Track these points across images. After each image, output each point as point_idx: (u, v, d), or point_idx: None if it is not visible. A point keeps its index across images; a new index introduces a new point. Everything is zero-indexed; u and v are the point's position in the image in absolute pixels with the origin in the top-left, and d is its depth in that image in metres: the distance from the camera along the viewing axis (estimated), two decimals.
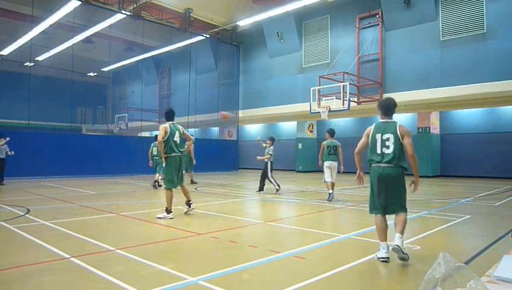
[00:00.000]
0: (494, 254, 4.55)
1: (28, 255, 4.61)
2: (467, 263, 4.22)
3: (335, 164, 9.99)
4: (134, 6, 20.10)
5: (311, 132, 24.82)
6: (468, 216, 7.44)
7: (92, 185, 13.88)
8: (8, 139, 13.29)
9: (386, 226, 4.48)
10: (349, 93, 16.28)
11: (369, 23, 18.76)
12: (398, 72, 17.74)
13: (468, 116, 19.52)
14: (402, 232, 4.29)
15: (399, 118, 21.33)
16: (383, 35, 18.26)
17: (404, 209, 4.43)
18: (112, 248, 4.81)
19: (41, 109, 25.17)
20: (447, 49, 16.39)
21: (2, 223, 6.46)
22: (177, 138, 7.44)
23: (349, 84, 16.56)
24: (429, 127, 19.36)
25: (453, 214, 7.75)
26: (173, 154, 7.34)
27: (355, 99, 18.05)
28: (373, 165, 4.54)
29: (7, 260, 4.36)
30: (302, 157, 24.12)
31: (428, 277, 2.12)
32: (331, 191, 9.84)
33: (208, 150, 23.68)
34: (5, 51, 25.58)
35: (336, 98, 16.39)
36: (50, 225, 6.37)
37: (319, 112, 16.96)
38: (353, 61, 18.79)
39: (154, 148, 14.32)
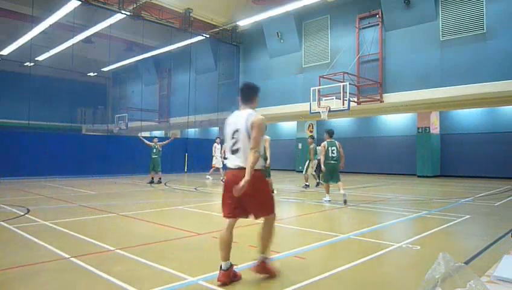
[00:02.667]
0: (494, 254, 4.55)
1: (28, 255, 4.61)
2: (466, 263, 4.23)
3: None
4: (134, 6, 20.07)
5: (311, 132, 24.82)
6: (468, 216, 7.44)
7: (92, 185, 13.88)
8: None
9: (329, 187, 9.78)
10: (349, 93, 16.27)
11: (369, 23, 18.75)
12: (398, 72, 17.74)
13: (468, 116, 19.51)
14: (343, 188, 9.29)
15: (399, 118, 21.35)
16: (383, 35, 18.25)
17: (340, 180, 9.47)
18: (112, 248, 4.81)
19: (41, 109, 25.25)
20: (447, 49, 16.38)
21: (2, 223, 6.46)
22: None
23: (349, 84, 16.55)
24: (429, 127, 19.35)
25: (453, 214, 7.75)
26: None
27: (355, 99, 18.05)
28: (326, 161, 9.52)
29: (7, 260, 4.36)
30: (302, 157, 24.09)
31: (428, 277, 2.12)
32: (307, 183, 13.70)
33: (208, 150, 23.67)
34: (5, 51, 25.56)
35: (335, 98, 16.39)
36: (50, 225, 6.37)
37: (319, 112, 16.97)
38: (353, 61, 18.79)
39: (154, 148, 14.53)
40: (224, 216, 3.83)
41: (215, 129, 29.23)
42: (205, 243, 5.33)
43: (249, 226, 6.73)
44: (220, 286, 3.55)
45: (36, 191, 11.68)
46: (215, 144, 17.09)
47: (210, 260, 4.51)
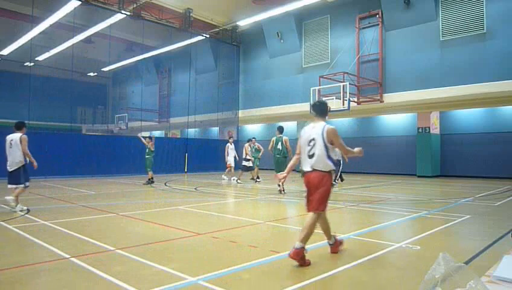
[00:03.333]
0: (494, 254, 4.55)
1: (28, 255, 4.61)
2: (466, 263, 4.23)
3: None
4: (134, 6, 20.07)
5: None
6: (468, 216, 7.44)
7: (92, 185, 13.88)
8: None
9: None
10: (349, 93, 16.28)
11: (369, 23, 18.76)
12: (398, 72, 17.74)
13: (468, 116, 19.51)
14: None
15: (399, 117, 21.35)
16: (383, 35, 18.26)
17: None
18: (111, 248, 4.81)
19: (41, 109, 25.26)
20: (447, 49, 16.39)
21: (2, 223, 6.46)
22: (279, 146, 11.94)
23: (349, 84, 16.56)
24: (429, 127, 19.34)
25: (453, 214, 7.76)
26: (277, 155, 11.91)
27: (355, 100, 18.06)
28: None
29: (7, 260, 4.36)
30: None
31: (428, 277, 2.12)
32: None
33: (207, 150, 23.69)
34: (5, 51, 25.57)
35: (335, 98, 16.39)
36: (50, 225, 6.37)
37: None
38: (353, 61, 18.80)
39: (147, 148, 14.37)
40: (307, 211, 4.52)
41: (216, 129, 29.23)
42: (205, 243, 5.33)
43: (249, 226, 6.74)
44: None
45: (36, 191, 11.68)
46: (228, 144, 16.99)
47: (210, 260, 4.51)
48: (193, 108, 24.07)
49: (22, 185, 7.81)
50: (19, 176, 7.79)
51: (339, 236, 4.99)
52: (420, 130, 19.60)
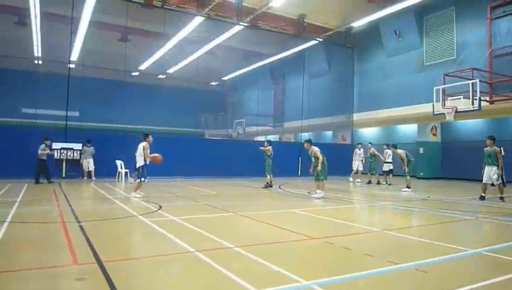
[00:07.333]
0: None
1: (159, 246, 5.18)
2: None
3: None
4: (251, 17, 21.00)
5: (435, 135, 22.85)
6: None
7: (213, 186, 14.90)
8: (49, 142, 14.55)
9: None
10: (480, 91, 14.62)
11: (504, 12, 16.55)
12: None
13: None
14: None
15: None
16: None
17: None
18: (231, 245, 5.12)
19: (172, 116, 28.02)
20: None
21: (140, 216, 7.39)
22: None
23: (480, 81, 14.87)
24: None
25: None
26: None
27: (487, 98, 16.12)
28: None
29: (142, 249, 4.97)
30: (425, 163, 22.34)
31: None
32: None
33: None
34: (143, 66, 29.08)
35: (463, 98, 14.87)
36: (178, 220, 7.06)
37: (444, 113, 15.58)
38: (484, 56, 16.81)
39: None
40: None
41: (329, 133, 28.90)
42: (319, 248, 5.32)
43: (365, 234, 6.51)
44: None
45: (167, 189, 13.04)
46: (356, 150, 18.55)
47: (324, 265, 4.49)
48: (306, 112, 24.20)
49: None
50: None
51: (468, 251, 4.52)
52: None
